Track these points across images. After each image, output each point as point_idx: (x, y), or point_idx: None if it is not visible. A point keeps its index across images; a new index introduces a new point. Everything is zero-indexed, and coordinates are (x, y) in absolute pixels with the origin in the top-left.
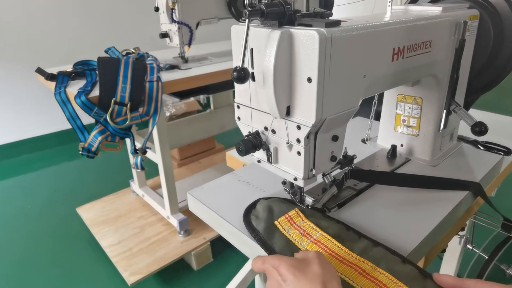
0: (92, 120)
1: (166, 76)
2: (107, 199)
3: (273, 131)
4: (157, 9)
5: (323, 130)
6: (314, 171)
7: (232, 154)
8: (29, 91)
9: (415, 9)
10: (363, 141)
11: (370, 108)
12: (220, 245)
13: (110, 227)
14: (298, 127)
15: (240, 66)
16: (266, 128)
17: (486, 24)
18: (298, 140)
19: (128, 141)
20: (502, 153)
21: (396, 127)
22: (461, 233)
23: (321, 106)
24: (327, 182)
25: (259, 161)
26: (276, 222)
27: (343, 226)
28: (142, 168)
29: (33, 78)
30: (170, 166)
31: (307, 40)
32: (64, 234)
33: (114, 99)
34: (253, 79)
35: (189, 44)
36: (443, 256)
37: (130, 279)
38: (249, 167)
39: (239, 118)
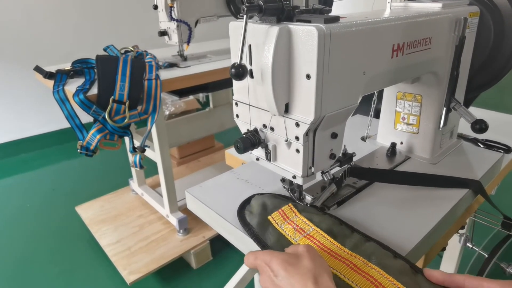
0: (91, 119)
1: (165, 74)
2: (106, 198)
3: (272, 129)
4: (156, 7)
5: (322, 128)
6: (313, 169)
7: (231, 152)
8: (28, 90)
9: (414, 5)
10: (363, 139)
11: (369, 105)
12: (219, 244)
13: (109, 226)
14: (297, 125)
15: (238, 62)
16: (264, 126)
17: (486, 21)
18: (297, 138)
19: (127, 139)
20: (502, 151)
21: (396, 125)
22: (461, 231)
23: (320, 103)
24: (326, 180)
25: (257, 159)
26: (269, 217)
27: (336, 221)
28: (141, 167)
29: (32, 77)
30: (169, 165)
31: (305, 36)
32: (63, 233)
33: (112, 97)
34: (252, 76)
35: (188, 42)
36: (443, 254)
37: (129, 278)
38: (248, 165)
39: (237, 116)
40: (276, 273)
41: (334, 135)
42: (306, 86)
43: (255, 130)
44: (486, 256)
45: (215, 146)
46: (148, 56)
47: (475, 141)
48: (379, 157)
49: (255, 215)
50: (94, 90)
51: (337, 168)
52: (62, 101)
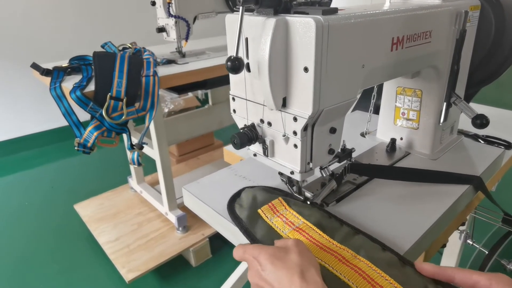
0: (90, 117)
1: (163, 71)
2: (105, 196)
3: (269, 124)
4: (153, 3)
5: (321, 122)
6: (311, 165)
7: (229, 149)
8: (27, 88)
9: None
10: (362, 134)
11: (369, 101)
12: (218, 242)
13: (108, 223)
14: (295, 119)
15: (234, 55)
16: (262, 121)
17: (487, 14)
18: (295, 133)
19: (125, 136)
20: (502, 147)
21: (396, 120)
22: (461, 228)
23: (318, 96)
24: (324, 176)
25: (255, 155)
26: (259, 210)
27: (325, 214)
28: (139, 164)
29: (30, 75)
30: (168, 162)
31: (303, 28)
32: (62, 231)
33: (110, 94)
34: (248, 70)
35: (186, 38)
36: (443, 251)
37: (128, 276)
38: (245, 162)
39: (234, 111)
40: (264, 267)
41: (332, 130)
42: (304, 79)
43: (252, 125)
44: (487, 253)
45: (214, 144)
46: (146, 53)
47: (475, 137)
48: (378, 153)
49: (245, 208)
50: (91, 87)
51: (337, 164)
52: (59, 98)
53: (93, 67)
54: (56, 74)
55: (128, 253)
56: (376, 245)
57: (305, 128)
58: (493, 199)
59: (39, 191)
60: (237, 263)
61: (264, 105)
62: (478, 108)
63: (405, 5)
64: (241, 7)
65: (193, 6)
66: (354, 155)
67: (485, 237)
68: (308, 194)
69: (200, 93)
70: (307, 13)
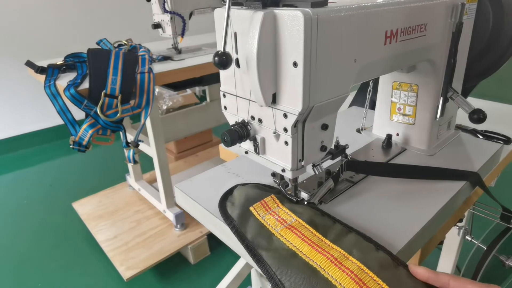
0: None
1: (159, 67)
2: (104, 194)
3: (260, 120)
4: None
5: (311, 119)
6: (303, 162)
7: (225, 146)
8: (25, 85)
9: None
10: (358, 130)
11: (365, 97)
12: (217, 239)
13: (106, 221)
14: (285, 116)
15: (222, 50)
16: (252, 117)
17: (485, 7)
18: (285, 129)
19: (122, 134)
20: (501, 142)
21: (392, 116)
22: (459, 224)
23: (308, 92)
24: (317, 173)
25: (246, 152)
26: (251, 208)
27: (318, 212)
28: (135, 162)
29: (28, 73)
30: (165, 160)
31: (291, 21)
32: (60, 229)
33: (104, 91)
34: (238, 65)
35: (182, 34)
36: (442, 247)
37: (126, 274)
38: (239, 159)
39: (225, 108)
40: None
41: (324, 127)
42: (293, 74)
43: (243, 122)
44: (485, 248)
45: (212, 141)
46: (141, 50)
47: (473, 132)
48: (374, 149)
49: (237, 206)
50: (86, 85)
51: (330, 162)
52: (54, 96)
53: (87, 64)
54: (50, 72)
55: (127, 250)
56: (369, 244)
57: (295, 125)
58: (492, 195)
59: (37, 189)
60: (235, 260)
61: (254, 101)
62: (477, 102)
63: None
64: (228, 0)
65: (189, 1)
66: (349, 151)
67: (484, 233)
68: (304, 195)
69: (197, 89)
70: (296, 6)
